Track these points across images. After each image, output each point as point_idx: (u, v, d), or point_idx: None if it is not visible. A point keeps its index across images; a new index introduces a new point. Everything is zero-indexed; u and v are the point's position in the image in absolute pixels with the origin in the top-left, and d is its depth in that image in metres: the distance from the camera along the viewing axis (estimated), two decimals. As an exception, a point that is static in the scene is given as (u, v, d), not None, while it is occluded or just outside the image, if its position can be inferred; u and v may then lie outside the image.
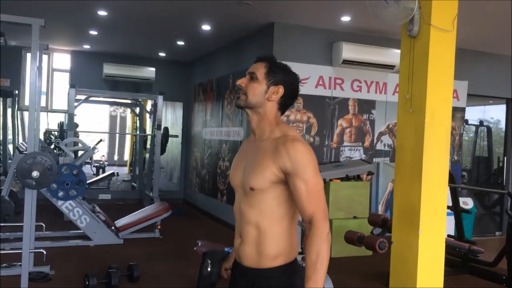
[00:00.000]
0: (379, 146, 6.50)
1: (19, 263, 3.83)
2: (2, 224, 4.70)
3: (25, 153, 3.51)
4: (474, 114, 10.46)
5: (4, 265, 4.42)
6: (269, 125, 1.70)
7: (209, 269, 1.86)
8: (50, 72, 8.96)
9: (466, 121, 8.67)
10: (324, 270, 1.55)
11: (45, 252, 4.28)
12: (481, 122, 10.32)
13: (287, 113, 5.87)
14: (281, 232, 1.64)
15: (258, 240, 1.64)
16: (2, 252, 4.75)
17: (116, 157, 15.30)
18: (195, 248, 4.11)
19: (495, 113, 10.89)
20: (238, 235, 1.73)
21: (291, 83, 1.71)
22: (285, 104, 1.72)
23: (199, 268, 4.01)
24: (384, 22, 2.78)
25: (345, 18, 5.60)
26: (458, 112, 6.97)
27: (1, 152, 8.98)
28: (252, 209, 1.65)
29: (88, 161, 11.73)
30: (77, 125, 10.60)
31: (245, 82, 1.70)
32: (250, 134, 1.79)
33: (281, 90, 1.68)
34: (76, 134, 8.57)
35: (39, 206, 4.14)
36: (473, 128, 10.44)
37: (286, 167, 1.58)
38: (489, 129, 10.14)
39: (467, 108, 7.24)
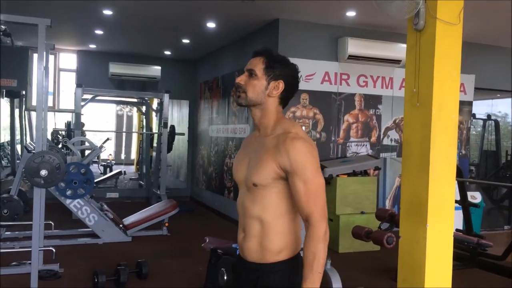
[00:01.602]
0: (385, 141, 6.48)
1: (29, 261, 3.86)
2: (11, 223, 4.74)
3: (33, 152, 3.54)
4: (481, 108, 10.39)
5: (13, 263, 4.47)
6: (272, 121, 1.69)
7: (225, 277, 1.86)
8: (57, 72, 9.01)
9: (474, 115, 8.62)
10: (320, 269, 1.56)
11: (54, 250, 4.32)
12: (488, 116, 10.25)
13: (293, 109, 5.90)
14: (284, 226, 1.64)
15: (261, 235, 1.64)
16: (11, 250, 4.80)
17: (123, 156, 15.37)
18: (202, 245, 4.12)
19: (503, 107, 10.82)
20: (241, 229, 1.73)
21: (291, 76, 1.68)
22: (286, 98, 1.70)
23: (207, 266, 4.03)
24: (389, 17, 2.77)
25: (350, 14, 5.58)
26: (465, 106, 6.93)
27: (10, 152, 9.05)
28: (255, 204, 1.65)
29: (96, 160, 11.80)
30: (83, 125, 10.66)
31: (244, 80, 1.67)
32: (255, 129, 1.78)
33: (281, 85, 1.66)
34: (83, 134, 8.61)
35: (47, 205, 4.17)
36: (481, 122, 10.38)
37: (286, 166, 1.58)
38: (496, 123, 10.08)
39: (474, 102, 7.19)
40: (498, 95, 9.50)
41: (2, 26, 3.73)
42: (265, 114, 1.69)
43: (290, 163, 1.57)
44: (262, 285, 1.64)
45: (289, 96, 1.71)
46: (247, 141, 1.83)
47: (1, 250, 4.74)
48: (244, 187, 1.70)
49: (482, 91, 7.49)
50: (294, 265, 1.65)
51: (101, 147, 6.36)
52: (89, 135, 10.19)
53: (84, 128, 9.35)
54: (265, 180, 1.61)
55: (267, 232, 1.63)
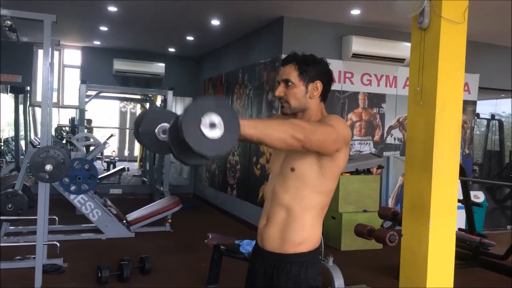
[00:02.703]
0: (389, 140, 6.48)
1: (33, 256, 3.88)
2: (16, 218, 4.77)
3: (39, 147, 3.56)
4: (485, 108, 10.37)
5: (18, 257, 4.50)
6: (314, 115, 1.73)
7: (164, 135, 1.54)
8: (61, 68, 9.04)
9: (478, 115, 8.61)
10: (258, 131, 1.34)
11: (58, 244, 4.34)
12: (492, 116, 10.23)
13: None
14: (309, 220, 1.66)
15: (285, 223, 1.66)
16: (16, 244, 4.83)
17: (126, 153, 15.40)
18: (205, 241, 4.14)
19: (507, 107, 10.79)
20: (265, 216, 1.74)
21: (325, 72, 1.73)
22: (325, 93, 1.75)
23: (210, 262, 4.05)
24: (394, 15, 2.78)
25: (355, 12, 5.57)
26: (469, 106, 6.91)
27: (14, 148, 9.10)
28: (287, 192, 1.66)
29: (99, 156, 11.83)
30: (90, 121, 10.72)
31: (283, 91, 1.70)
32: None
33: (319, 85, 1.70)
34: (90, 130, 8.64)
35: (52, 200, 4.19)
36: (485, 122, 10.35)
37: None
38: (500, 123, 10.05)
39: (478, 102, 7.18)
40: (503, 95, 9.48)
41: (8, 22, 3.75)
42: (310, 113, 1.73)
43: (324, 122, 1.62)
44: (279, 275, 1.65)
45: (328, 90, 1.76)
46: None
47: (6, 245, 4.78)
48: (279, 173, 1.71)
49: (486, 91, 7.48)
50: (313, 258, 1.66)
51: (105, 143, 6.39)
52: (92, 131, 10.23)
53: (88, 125, 9.39)
54: (305, 165, 1.63)
55: (292, 222, 1.65)
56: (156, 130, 1.49)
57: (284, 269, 1.64)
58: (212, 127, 1.19)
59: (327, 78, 1.73)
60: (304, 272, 1.64)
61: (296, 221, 1.65)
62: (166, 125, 1.49)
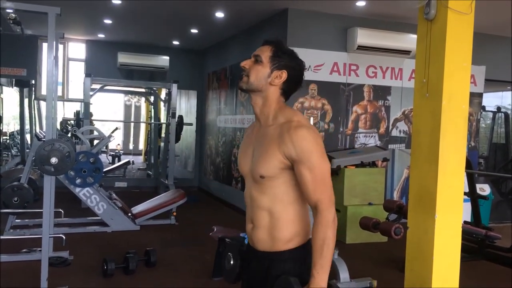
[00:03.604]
0: (394, 133, 6.45)
1: (39, 249, 3.90)
2: (22, 211, 4.79)
3: (44, 140, 3.57)
4: (491, 100, 10.30)
5: (24, 250, 4.53)
6: (273, 110, 1.68)
7: (231, 262, 1.86)
8: (66, 61, 9.04)
9: (484, 108, 8.55)
10: (330, 255, 1.56)
11: (64, 237, 4.37)
12: (498, 108, 10.17)
13: (301, 99, 5.89)
14: (293, 215, 1.65)
15: (270, 225, 1.65)
16: (22, 237, 4.86)
17: (131, 146, 15.45)
18: (210, 234, 4.15)
19: (513, 99, 10.70)
20: (249, 220, 1.73)
21: (295, 68, 1.68)
22: (288, 90, 1.70)
23: (215, 254, 4.05)
24: (400, 6, 2.75)
25: (360, 3, 5.53)
26: (475, 98, 6.87)
27: (19, 142, 9.13)
28: (264, 195, 1.65)
29: (104, 150, 11.86)
30: (91, 114, 10.71)
31: (249, 64, 1.68)
32: (255, 120, 1.78)
33: (284, 75, 1.66)
34: (91, 123, 8.65)
35: (57, 194, 4.21)
36: (490, 115, 10.29)
37: (291, 154, 1.58)
38: (506, 116, 9.99)
39: (484, 95, 7.13)
40: (509, 87, 9.41)
41: (12, 15, 3.74)
42: (266, 102, 1.68)
43: (295, 151, 1.57)
44: (274, 273, 1.64)
45: (291, 89, 1.70)
46: (249, 132, 1.82)
47: (12, 237, 4.81)
48: (251, 179, 1.70)
49: (493, 83, 7.42)
50: (305, 252, 1.65)
51: (110, 136, 6.40)
52: (97, 125, 10.25)
53: (92, 118, 9.40)
54: (272, 171, 1.61)
55: (277, 222, 1.64)
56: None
57: (278, 267, 1.64)
58: None
59: (295, 74, 1.68)
60: (298, 268, 1.64)
61: (281, 219, 1.64)
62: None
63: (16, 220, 5.24)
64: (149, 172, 9.90)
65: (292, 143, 1.57)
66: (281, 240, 1.64)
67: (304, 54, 1.73)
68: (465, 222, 4.76)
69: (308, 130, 1.59)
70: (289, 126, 1.60)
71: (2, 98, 9.27)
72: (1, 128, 8.72)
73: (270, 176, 1.62)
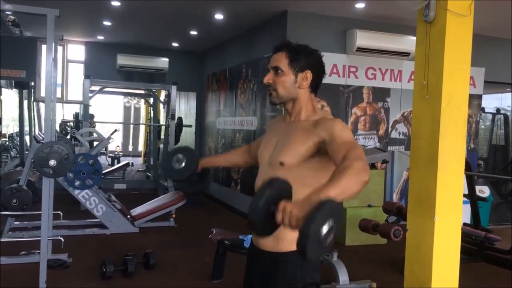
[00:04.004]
0: (393, 135, 6.45)
1: (38, 251, 3.89)
2: (20, 213, 4.78)
3: (42, 142, 3.56)
4: (491, 102, 10.30)
5: (23, 252, 4.51)
6: (305, 108, 1.69)
7: (183, 164, 1.93)
8: (65, 63, 9.04)
9: (483, 110, 8.54)
10: (349, 187, 1.32)
11: (62, 240, 4.35)
12: (498, 110, 10.16)
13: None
14: None
15: None
16: (21, 240, 4.85)
17: (130, 148, 15.45)
18: (210, 236, 4.14)
19: (512, 101, 10.70)
20: None
21: (316, 63, 1.68)
22: (316, 85, 1.71)
23: (214, 256, 4.04)
24: (399, 8, 2.75)
25: (359, 5, 5.53)
26: (474, 100, 6.87)
27: (18, 143, 9.12)
28: None
29: (103, 151, 11.87)
30: (92, 116, 10.70)
31: (272, 78, 1.67)
32: (284, 114, 1.77)
33: (309, 74, 1.66)
34: (92, 125, 8.65)
35: (56, 196, 4.20)
36: (490, 117, 10.29)
37: (324, 136, 1.55)
38: (506, 117, 9.98)
39: (483, 96, 7.13)
40: (508, 89, 9.41)
41: (11, 16, 3.74)
42: (298, 104, 1.69)
43: (329, 132, 1.54)
44: (277, 274, 1.63)
45: (318, 82, 1.72)
46: (275, 124, 1.82)
47: (11, 240, 4.79)
48: (267, 168, 1.68)
49: (492, 85, 7.42)
50: None
51: (109, 138, 6.39)
52: (97, 127, 10.25)
53: (93, 120, 9.40)
54: (293, 159, 1.59)
55: None
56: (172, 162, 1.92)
57: (281, 268, 1.62)
58: (329, 234, 1.17)
59: (318, 69, 1.69)
60: (300, 270, 1.61)
61: None
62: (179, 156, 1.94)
63: (15, 222, 5.23)
64: (149, 174, 9.89)
65: (327, 127, 1.56)
66: (285, 240, 1.62)
67: (317, 49, 1.73)
68: (464, 224, 4.75)
69: (342, 123, 1.60)
70: (327, 119, 1.62)
71: (1, 100, 9.26)
72: (0, 130, 8.71)
73: (289, 164, 1.59)
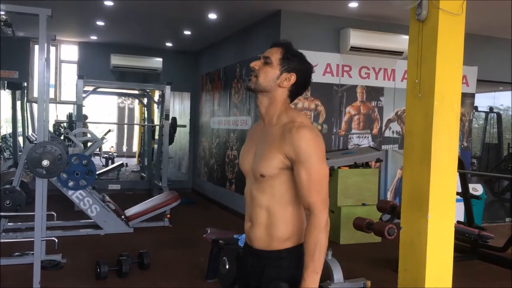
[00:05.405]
0: (387, 133, 6.47)
1: (31, 252, 3.88)
2: (14, 214, 4.76)
3: (35, 143, 3.54)
4: (483, 100, 10.37)
5: (16, 253, 4.49)
6: (278, 111, 1.70)
7: (227, 267, 1.86)
8: (58, 63, 9.00)
9: (476, 108, 8.60)
10: (322, 258, 1.57)
11: (56, 240, 4.34)
12: (491, 109, 10.23)
13: (295, 101, 5.87)
14: (291, 215, 1.66)
15: (268, 223, 1.67)
16: (14, 241, 4.82)
17: (124, 148, 15.39)
18: (204, 236, 4.14)
19: (505, 100, 10.79)
20: (248, 218, 1.75)
21: (304, 72, 1.71)
22: (295, 92, 1.72)
23: (209, 256, 4.04)
24: (392, 7, 2.76)
25: (353, 4, 5.54)
26: (467, 98, 6.90)
27: (12, 144, 9.07)
28: (263, 194, 1.66)
29: (97, 152, 11.81)
30: (86, 117, 10.65)
31: (259, 65, 1.70)
32: (259, 119, 1.79)
33: (293, 77, 1.68)
34: (85, 126, 8.61)
35: (50, 196, 4.19)
36: (483, 115, 10.36)
37: (291, 155, 1.59)
38: (499, 116, 10.06)
39: (476, 95, 7.17)
40: (501, 87, 9.47)
41: (3, 16, 3.72)
42: (272, 103, 1.70)
43: (295, 151, 1.58)
44: (270, 271, 1.66)
45: (299, 91, 1.73)
46: (252, 132, 1.84)
47: (4, 241, 4.77)
48: (252, 177, 1.72)
49: (485, 84, 7.46)
50: (300, 252, 1.66)
51: (103, 138, 6.37)
52: (91, 127, 10.20)
53: (87, 120, 9.36)
54: (272, 171, 1.62)
55: (274, 221, 1.66)
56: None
57: (275, 265, 1.66)
58: None
59: (303, 77, 1.71)
60: (294, 267, 1.65)
61: (278, 219, 1.65)
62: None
63: (8, 223, 5.20)
64: (143, 174, 9.87)
65: (292, 143, 1.58)
66: (278, 239, 1.66)
67: (310, 63, 1.75)
68: (458, 222, 4.77)
69: (310, 131, 1.60)
70: (292, 126, 1.61)
71: (-6, 101, 9.21)
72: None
73: (270, 175, 1.63)
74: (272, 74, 1.67)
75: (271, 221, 1.66)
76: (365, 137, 6.33)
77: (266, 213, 1.67)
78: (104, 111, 15.04)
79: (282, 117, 1.68)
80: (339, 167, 5.46)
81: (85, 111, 8.18)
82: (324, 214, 1.58)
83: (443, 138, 2.68)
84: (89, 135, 6.64)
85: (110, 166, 11.00)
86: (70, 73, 9.15)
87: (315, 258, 1.56)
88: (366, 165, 5.76)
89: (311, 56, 6.15)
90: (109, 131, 10.55)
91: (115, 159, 12.36)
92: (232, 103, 7.25)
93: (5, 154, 9.77)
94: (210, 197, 8.20)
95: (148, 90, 9.15)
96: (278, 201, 1.65)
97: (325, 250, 1.59)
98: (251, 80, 1.70)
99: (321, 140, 1.63)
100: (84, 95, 7.43)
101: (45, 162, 3.31)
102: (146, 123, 9.87)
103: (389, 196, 6.49)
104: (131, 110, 15.94)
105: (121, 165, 10.60)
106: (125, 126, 15.87)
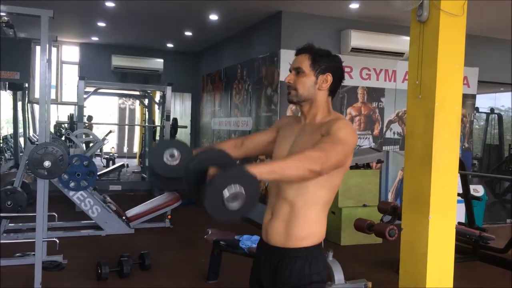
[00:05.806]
0: (388, 134, 6.47)
1: (33, 253, 3.88)
2: (15, 215, 4.76)
3: (37, 144, 3.55)
4: (484, 101, 10.36)
5: (17, 254, 4.50)
6: (321, 111, 1.72)
7: (177, 161, 1.63)
8: (59, 64, 9.02)
9: (477, 109, 8.59)
10: (284, 171, 1.43)
11: (57, 241, 4.34)
12: (492, 110, 10.22)
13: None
14: (313, 215, 1.65)
15: (289, 218, 1.65)
16: (15, 241, 4.83)
17: (125, 149, 15.39)
18: (205, 237, 4.14)
19: (506, 101, 10.78)
20: (269, 211, 1.73)
21: (337, 67, 1.72)
22: (334, 89, 1.74)
23: (210, 257, 4.04)
24: (393, 8, 2.76)
25: (354, 6, 5.55)
26: (468, 99, 6.90)
27: (13, 145, 9.08)
28: (291, 187, 1.65)
29: (98, 153, 11.82)
30: (91, 118, 10.67)
31: (293, 78, 1.71)
32: (299, 115, 1.80)
33: (329, 77, 1.70)
34: (89, 127, 8.63)
35: (51, 197, 4.19)
36: (484, 116, 10.35)
37: (322, 134, 1.60)
38: (500, 117, 10.05)
39: (477, 96, 7.17)
40: (502, 88, 9.47)
41: (5, 18, 3.72)
42: (315, 105, 1.72)
43: (328, 128, 1.59)
44: (283, 269, 1.65)
45: (337, 87, 1.75)
46: (289, 125, 1.82)
47: (5, 242, 4.77)
48: None
49: (486, 85, 7.46)
50: (317, 253, 1.66)
51: (104, 139, 6.38)
52: (92, 128, 10.22)
53: (92, 121, 9.37)
54: None
55: (296, 217, 1.64)
56: (164, 156, 1.64)
57: (289, 264, 1.64)
58: (234, 199, 1.28)
59: (338, 73, 1.73)
60: (308, 267, 1.64)
61: (300, 216, 1.64)
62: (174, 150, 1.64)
63: (10, 224, 5.20)
64: (144, 175, 9.87)
65: (327, 126, 1.61)
66: (295, 236, 1.64)
67: (338, 55, 1.76)
68: (459, 223, 4.77)
69: (346, 123, 1.63)
70: (333, 119, 1.65)
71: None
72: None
73: None
74: (309, 82, 1.69)
75: (292, 216, 1.64)
76: (366, 138, 6.33)
77: (289, 207, 1.65)
78: (105, 112, 15.06)
79: (327, 117, 1.71)
80: (348, 168, 5.45)
81: (86, 112, 8.19)
82: (317, 166, 1.46)
83: (444, 139, 2.68)
84: (90, 136, 6.65)
85: (111, 167, 11.00)
86: (71, 74, 9.17)
87: (281, 165, 1.43)
88: (367, 166, 5.75)
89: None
90: (110, 132, 10.55)
91: (116, 160, 12.36)
92: (233, 104, 7.25)
93: (6, 155, 9.79)
94: (211, 198, 8.18)
95: (149, 91, 9.15)
96: (305, 198, 1.63)
97: (290, 176, 1.45)
98: (290, 94, 1.71)
99: (354, 133, 1.64)
100: (85, 96, 7.44)
101: (47, 163, 3.31)
102: (147, 124, 9.87)
103: (390, 197, 6.49)
104: (132, 111, 15.96)
105: (122, 166, 10.60)
106: (126, 127, 15.88)
